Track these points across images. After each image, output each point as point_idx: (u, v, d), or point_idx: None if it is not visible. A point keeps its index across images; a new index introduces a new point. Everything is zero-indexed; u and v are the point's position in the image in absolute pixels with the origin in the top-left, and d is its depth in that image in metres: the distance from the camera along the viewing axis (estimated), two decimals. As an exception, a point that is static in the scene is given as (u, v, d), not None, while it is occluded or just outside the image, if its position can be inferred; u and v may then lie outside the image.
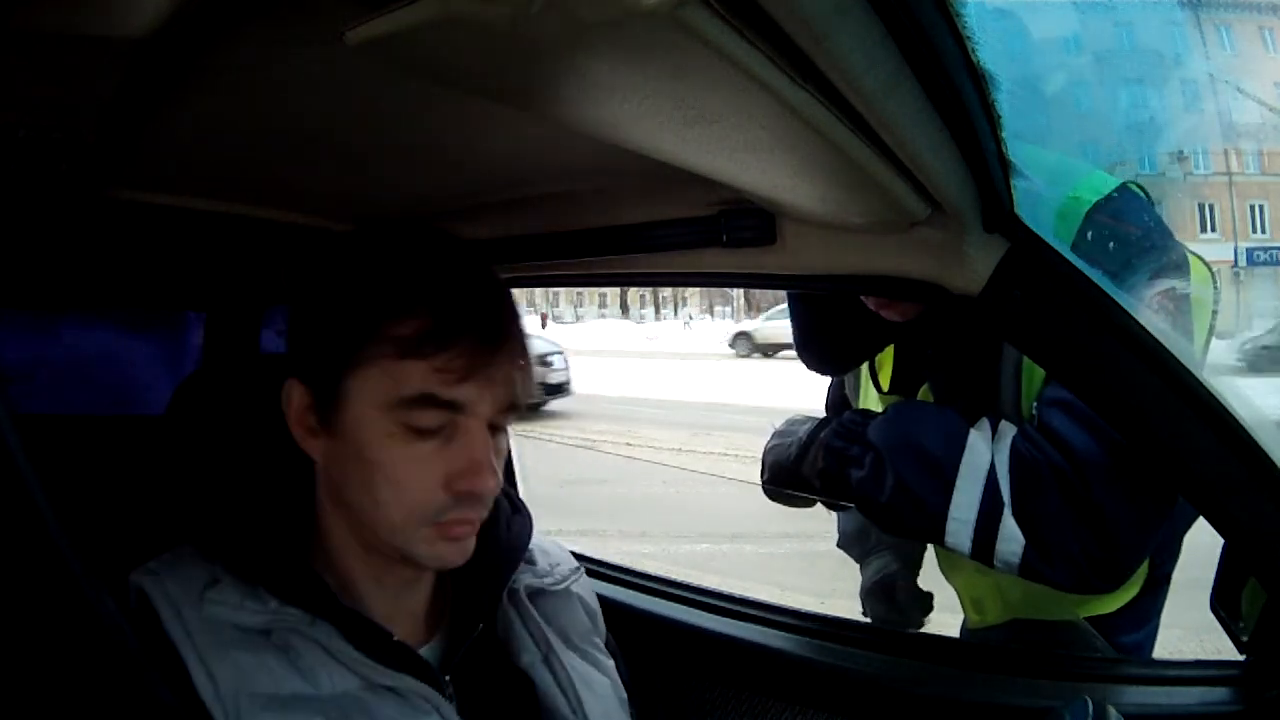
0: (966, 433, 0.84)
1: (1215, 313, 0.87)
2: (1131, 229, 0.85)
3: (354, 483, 0.57)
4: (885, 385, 1.07)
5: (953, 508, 0.82)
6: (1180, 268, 0.85)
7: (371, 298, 0.56)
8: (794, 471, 0.96)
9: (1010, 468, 0.81)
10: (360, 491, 0.57)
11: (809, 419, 1.01)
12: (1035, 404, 0.85)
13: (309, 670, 0.55)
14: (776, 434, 1.01)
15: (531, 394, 0.61)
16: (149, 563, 0.58)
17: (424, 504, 0.56)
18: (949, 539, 0.83)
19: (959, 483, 0.82)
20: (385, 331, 0.54)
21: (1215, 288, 0.88)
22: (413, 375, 0.54)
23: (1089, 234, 0.83)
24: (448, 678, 0.60)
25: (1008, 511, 0.80)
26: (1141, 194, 0.90)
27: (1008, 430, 0.84)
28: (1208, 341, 0.86)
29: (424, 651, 0.62)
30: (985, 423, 0.85)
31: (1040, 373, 0.88)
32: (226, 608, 0.55)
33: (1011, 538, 0.80)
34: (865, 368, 1.13)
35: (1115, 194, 0.86)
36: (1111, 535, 0.78)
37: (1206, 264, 0.89)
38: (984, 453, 0.83)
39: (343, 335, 0.56)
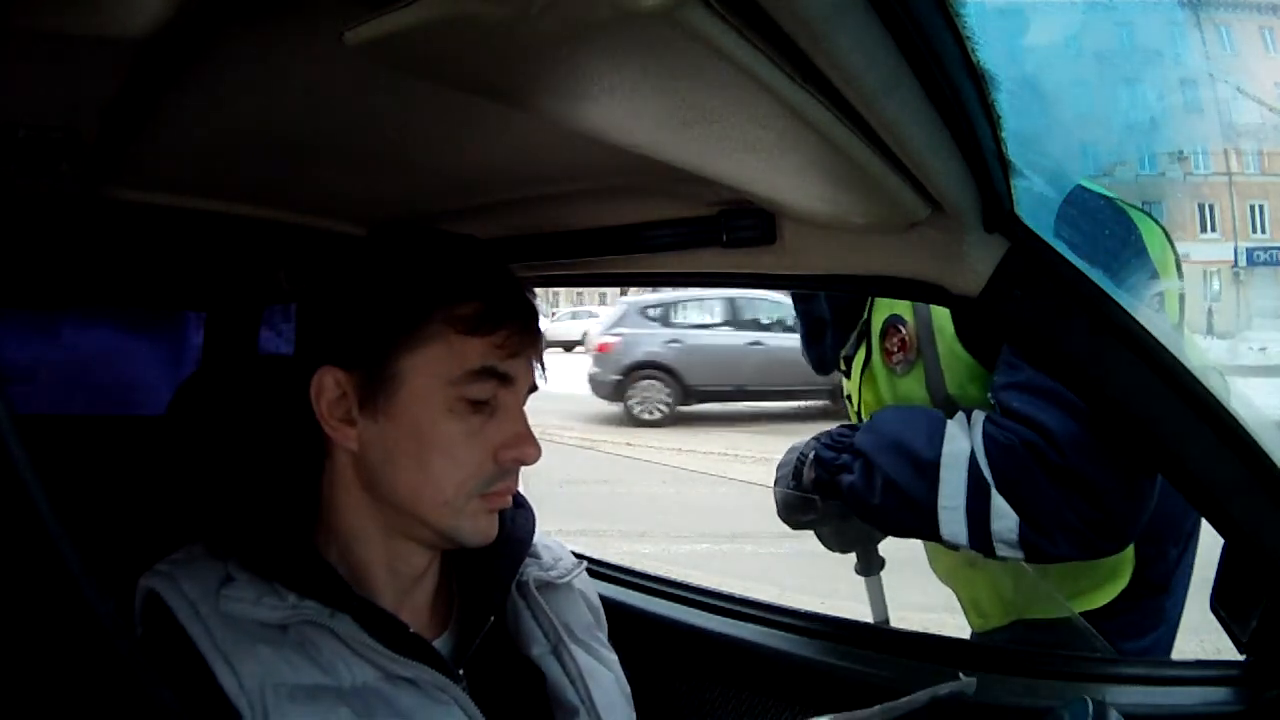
0: (944, 426, 0.87)
1: (1183, 296, 0.87)
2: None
3: (402, 463, 0.59)
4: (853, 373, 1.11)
5: (941, 497, 0.84)
6: (1122, 225, 0.86)
7: (435, 281, 0.60)
8: (797, 490, 1.00)
9: (986, 450, 0.83)
10: (411, 470, 0.59)
11: (808, 441, 1.04)
12: (990, 393, 0.88)
13: (328, 664, 0.56)
14: (780, 465, 1.05)
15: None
16: (157, 565, 0.59)
17: (476, 475, 0.60)
18: (944, 530, 0.85)
19: (943, 473, 0.84)
20: (450, 311, 0.59)
21: (1176, 261, 0.88)
22: (474, 350, 0.59)
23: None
24: (461, 671, 0.61)
25: (995, 491, 0.82)
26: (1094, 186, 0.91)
27: (979, 417, 0.86)
28: (1180, 318, 0.87)
29: (437, 644, 0.62)
30: (961, 414, 0.88)
31: (963, 358, 0.92)
32: (245, 604, 0.56)
33: (1004, 514, 0.82)
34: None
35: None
36: (1098, 493, 0.79)
37: (1160, 225, 0.88)
38: (963, 441, 0.85)
39: (403, 315, 0.59)
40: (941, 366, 0.94)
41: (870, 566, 1.16)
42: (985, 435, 0.84)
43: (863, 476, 0.90)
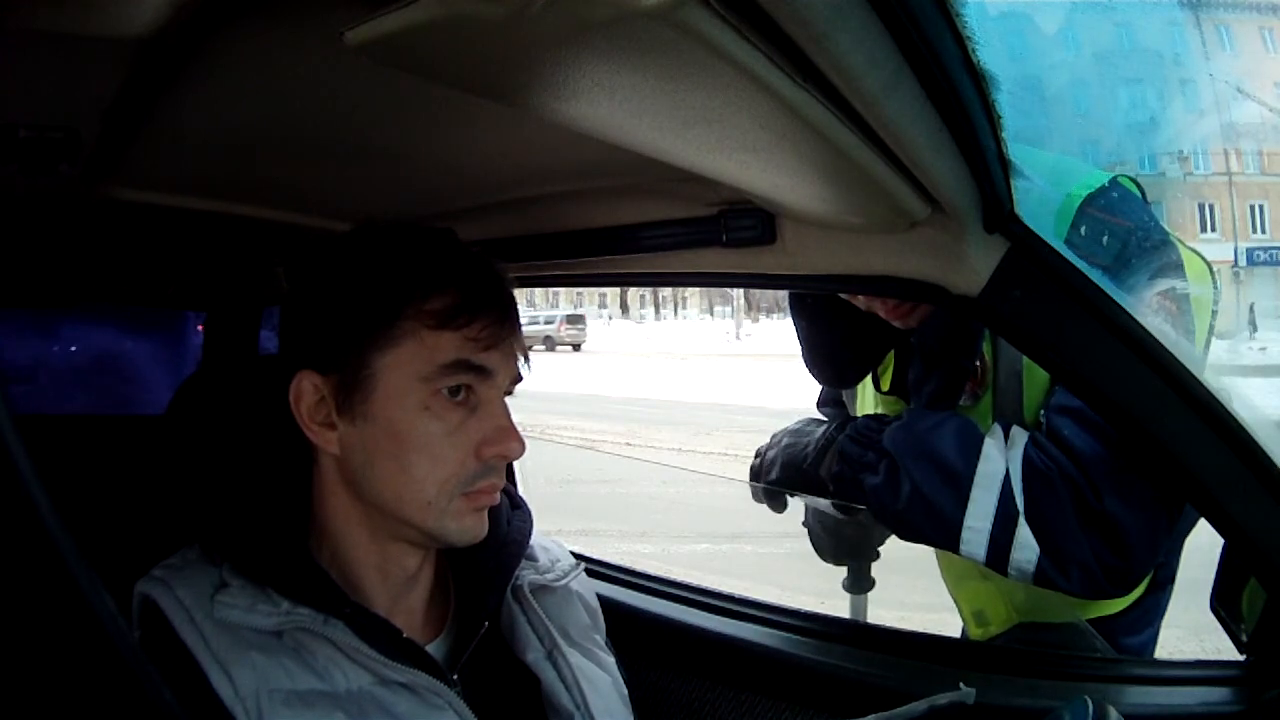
0: (981, 440, 0.84)
1: (1215, 312, 0.87)
2: (1124, 222, 0.85)
3: (383, 464, 0.58)
4: (885, 385, 1.07)
5: (968, 516, 0.82)
6: (1176, 264, 0.85)
7: (404, 277, 0.59)
8: (809, 474, 0.96)
9: (1023, 476, 0.80)
10: (392, 472, 0.58)
11: (823, 421, 1.01)
12: (1043, 411, 0.85)
13: (323, 670, 0.56)
14: (791, 433, 1.01)
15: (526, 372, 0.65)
16: (154, 570, 0.59)
17: (458, 474, 0.59)
18: (964, 547, 0.83)
19: (974, 492, 0.82)
20: (420, 306, 0.58)
21: (1215, 286, 0.88)
22: (447, 344, 0.58)
23: (1082, 228, 0.83)
24: (455, 676, 0.61)
25: (1022, 520, 0.80)
26: (1134, 188, 0.90)
27: (1019, 437, 0.83)
28: (1208, 341, 0.86)
29: (431, 649, 0.62)
30: (998, 429, 0.85)
31: (1043, 376, 0.88)
32: (238, 610, 0.56)
33: (1026, 546, 0.80)
34: None
35: (1107, 187, 0.86)
36: (1125, 542, 0.78)
37: (1205, 260, 0.89)
38: (998, 461, 0.82)
39: (373, 315, 0.58)
40: (1024, 409, 0.89)
41: (860, 584, 1.15)
42: (1025, 459, 0.81)
43: (888, 480, 0.87)
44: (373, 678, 0.57)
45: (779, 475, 1.00)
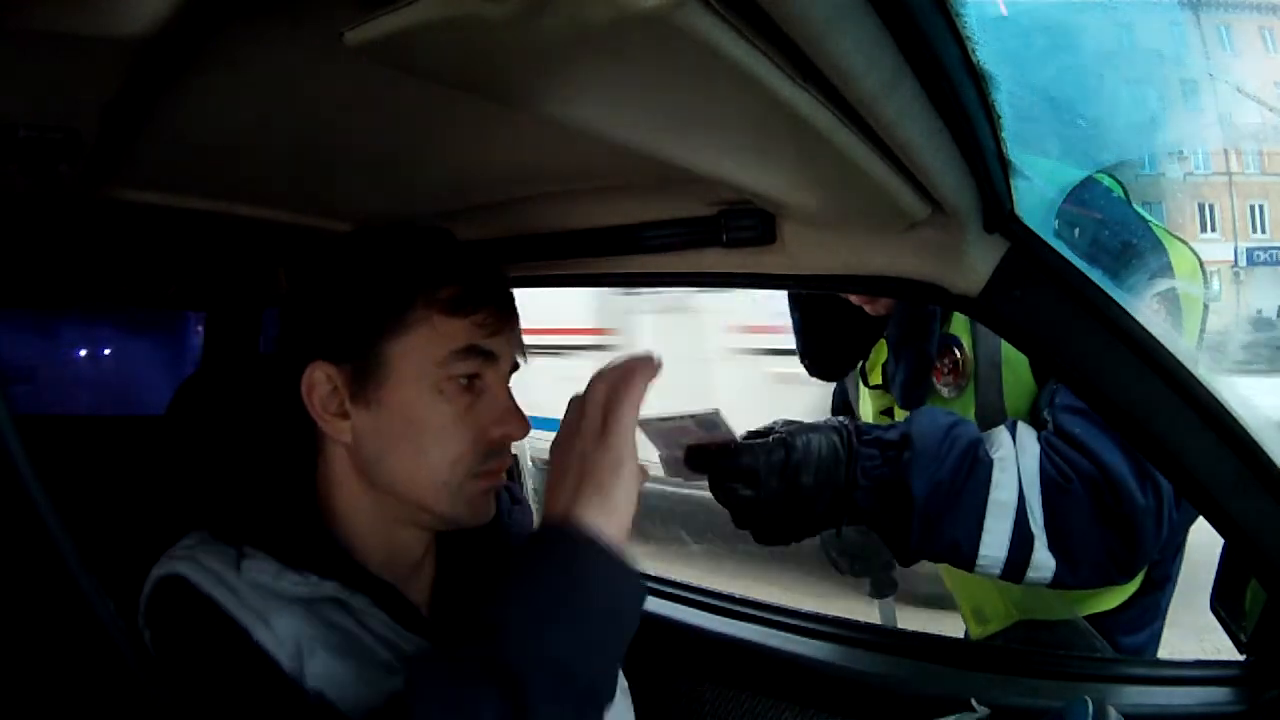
0: (990, 467, 0.81)
1: (1207, 307, 0.87)
2: (1095, 215, 0.85)
3: (397, 450, 0.60)
4: (875, 380, 1.08)
5: (983, 546, 0.81)
6: (1161, 259, 0.85)
7: (415, 269, 0.62)
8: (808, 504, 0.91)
9: (1042, 494, 0.80)
10: (406, 457, 0.60)
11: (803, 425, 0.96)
12: (1048, 411, 0.84)
13: (354, 635, 0.57)
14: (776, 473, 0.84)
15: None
16: (168, 552, 0.59)
17: (469, 455, 0.61)
18: (978, 570, 0.83)
19: (988, 522, 0.80)
20: (432, 295, 0.61)
21: (1205, 283, 0.88)
22: (457, 330, 0.61)
23: (1054, 223, 0.83)
24: None
25: (1039, 544, 0.79)
26: (1115, 185, 0.90)
27: (1027, 449, 0.81)
28: (1200, 339, 0.86)
29: None
30: (1005, 445, 0.82)
31: (1024, 365, 0.88)
32: (267, 575, 0.56)
33: (1043, 566, 0.80)
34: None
35: (1081, 184, 0.87)
36: (1137, 536, 0.78)
37: (1196, 256, 0.88)
38: (1010, 488, 0.80)
39: (386, 305, 0.60)
40: (1004, 397, 0.90)
41: (882, 589, 1.14)
42: (1043, 475, 0.79)
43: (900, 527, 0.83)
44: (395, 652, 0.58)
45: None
